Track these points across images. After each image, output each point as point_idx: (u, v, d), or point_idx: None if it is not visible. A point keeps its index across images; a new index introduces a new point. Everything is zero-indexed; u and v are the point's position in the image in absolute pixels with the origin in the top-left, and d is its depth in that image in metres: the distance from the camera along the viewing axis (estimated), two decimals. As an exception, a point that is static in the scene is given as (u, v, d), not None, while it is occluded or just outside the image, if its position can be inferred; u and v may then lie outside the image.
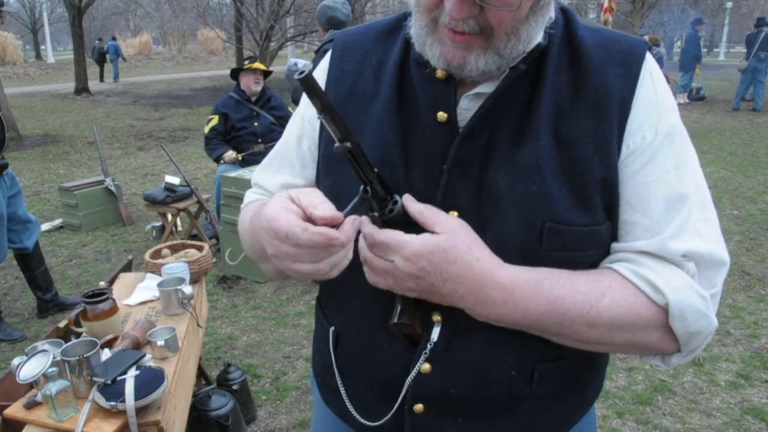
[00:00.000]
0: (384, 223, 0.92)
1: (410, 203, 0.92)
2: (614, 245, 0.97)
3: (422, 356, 0.99)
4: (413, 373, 1.00)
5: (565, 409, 1.08)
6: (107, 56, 24.54)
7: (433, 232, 0.89)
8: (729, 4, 33.68)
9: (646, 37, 13.09)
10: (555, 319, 0.91)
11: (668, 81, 13.95)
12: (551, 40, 0.95)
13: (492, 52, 0.89)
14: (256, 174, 1.24)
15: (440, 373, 1.00)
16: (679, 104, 14.81)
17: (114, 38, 27.41)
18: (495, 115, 0.95)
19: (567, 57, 0.95)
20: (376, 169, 0.89)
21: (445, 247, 0.88)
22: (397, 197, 0.92)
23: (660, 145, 0.93)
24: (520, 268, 0.92)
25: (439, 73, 0.95)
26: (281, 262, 0.87)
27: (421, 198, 0.96)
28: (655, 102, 0.94)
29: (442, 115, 0.96)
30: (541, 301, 0.90)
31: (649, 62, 0.96)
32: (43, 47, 40.97)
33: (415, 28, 0.95)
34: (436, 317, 0.99)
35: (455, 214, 0.95)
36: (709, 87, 17.68)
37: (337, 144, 0.82)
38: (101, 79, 24.46)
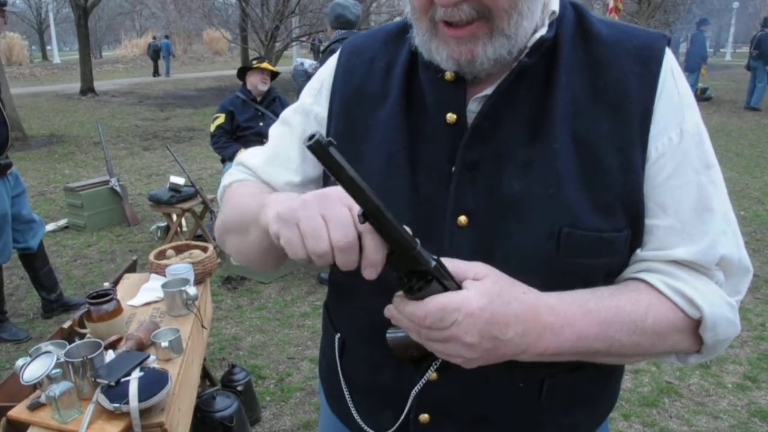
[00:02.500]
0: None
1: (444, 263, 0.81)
2: (642, 253, 0.94)
3: (433, 366, 0.96)
4: (420, 384, 0.98)
5: (575, 423, 1.06)
6: (160, 53, 26.82)
7: (463, 280, 0.81)
8: (735, 4, 33.61)
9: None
10: (605, 342, 0.88)
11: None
12: (560, 37, 0.92)
13: (498, 36, 0.85)
14: (245, 155, 1.17)
15: (447, 384, 0.98)
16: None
17: (167, 36, 29.17)
18: (504, 115, 0.92)
19: (582, 54, 0.93)
20: (419, 240, 0.77)
21: (497, 291, 0.80)
22: (431, 262, 0.78)
23: (689, 147, 0.90)
24: (559, 293, 0.88)
25: (448, 75, 0.93)
26: (285, 224, 0.78)
27: (429, 201, 0.94)
28: (678, 101, 0.91)
29: (451, 117, 0.94)
30: (593, 322, 0.86)
31: (670, 58, 0.93)
32: (49, 47, 41.13)
33: (418, 38, 0.93)
34: None
35: (465, 218, 0.92)
36: (716, 87, 17.62)
37: (359, 215, 0.72)
38: (155, 74, 26.48)
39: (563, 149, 0.89)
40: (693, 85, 15.30)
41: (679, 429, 3.07)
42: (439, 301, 0.78)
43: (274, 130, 1.15)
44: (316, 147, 0.66)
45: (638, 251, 0.94)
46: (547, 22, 0.91)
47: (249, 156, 1.16)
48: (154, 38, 27.86)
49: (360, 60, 1.06)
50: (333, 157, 0.67)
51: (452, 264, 0.81)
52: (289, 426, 3.16)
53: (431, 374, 0.97)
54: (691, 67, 15.24)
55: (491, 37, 0.85)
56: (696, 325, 0.90)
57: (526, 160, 0.91)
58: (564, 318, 0.85)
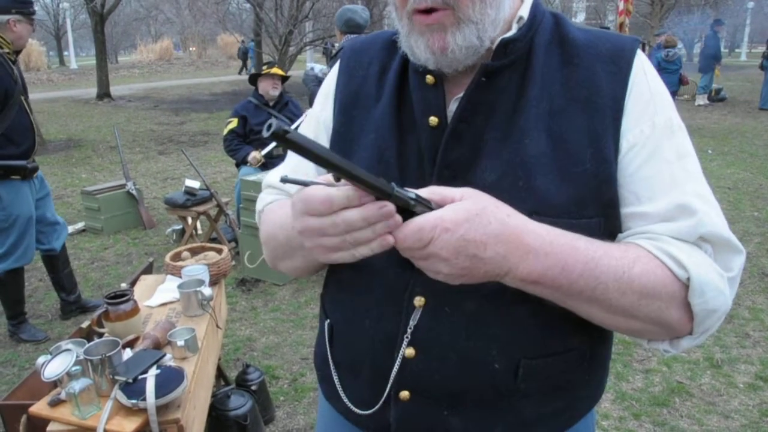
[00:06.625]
0: None
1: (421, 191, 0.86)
2: (623, 235, 0.98)
3: (404, 340, 1.02)
4: (399, 358, 1.02)
5: (556, 409, 1.07)
6: (248, 54, 29.51)
7: (447, 203, 0.84)
8: (751, 4, 33.31)
9: (663, 38, 12.96)
10: (590, 282, 0.89)
11: (687, 82, 13.53)
12: (536, 43, 0.99)
13: (465, 24, 0.92)
14: (269, 177, 1.27)
15: (424, 358, 1.02)
16: (700, 106, 14.69)
17: (252, 40, 30.36)
18: (481, 114, 0.98)
19: (557, 57, 0.99)
20: (394, 184, 0.82)
21: (476, 211, 0.83)
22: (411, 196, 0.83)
23: (660, 138, 0.95)
24: (551, 227, 0.90)
25: (429, 79, 1.00)
26: (308, 237, 0.86)
27: None
28: (649, 97, 0.97)
29: (433, 120, 1.00)
30: (579, 258, 0.88)
31: (641, 58, 0.99)
32: (66, 53, 41.53)
33: (402, 39, 1.00)
34: (419, 302, 1.00)
35: None
36: (731, 88, 17.47)
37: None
38: (240, 72, 29.76)
39: (536, 143, 0.95)
40: (707, 86, 15.19)
41: (689, 429, 3.08)
42: (416, 223, 0.81)
43: None
44: (276, 137, 0.72)
45: (619, 235, 0.99)
46: (515, 26, 0.98)
47: (273, 176, 1.25)
48: (242, 42, 30.39)
49: (358, 64, 1.14)
50: (293, 140, 0.73)
51: (439, 191, 0.85)
52: (302, 425, 3.21)
53: (408, 349, 1.02)
54: (705, 68, 15.11)
55: (459, 24, 0.93)
56: (686, 294, 0.90)
57: (500, 155, 0.97)
58: (550, 246, 0.87)
